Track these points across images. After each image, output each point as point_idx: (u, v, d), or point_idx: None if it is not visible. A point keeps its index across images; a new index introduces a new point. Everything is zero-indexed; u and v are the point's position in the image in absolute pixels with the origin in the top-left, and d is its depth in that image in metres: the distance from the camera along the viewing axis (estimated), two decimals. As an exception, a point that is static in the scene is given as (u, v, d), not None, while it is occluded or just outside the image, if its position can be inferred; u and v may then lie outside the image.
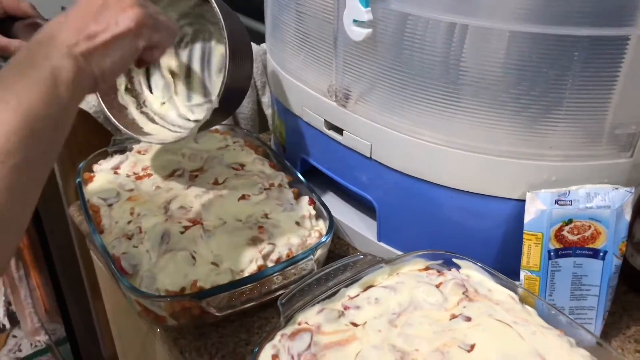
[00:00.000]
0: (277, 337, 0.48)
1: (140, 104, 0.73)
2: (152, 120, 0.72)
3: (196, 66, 0.72)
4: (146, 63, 0.53)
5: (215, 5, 0.60)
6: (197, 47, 0.72)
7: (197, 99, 0.73)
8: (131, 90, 0.73)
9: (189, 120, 0.72)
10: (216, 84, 0.72)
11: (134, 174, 0.72)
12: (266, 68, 0.86)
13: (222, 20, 0.59)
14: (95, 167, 0.74)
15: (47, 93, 0.40)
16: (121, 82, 0.72)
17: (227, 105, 0.65)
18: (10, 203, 0.38)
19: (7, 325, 1.68)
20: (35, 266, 1.43)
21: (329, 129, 0.66)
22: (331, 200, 0.75)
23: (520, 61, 0.49)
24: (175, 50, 0.72)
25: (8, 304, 1.63)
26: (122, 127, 0.68)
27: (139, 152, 0.76)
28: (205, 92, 0.73)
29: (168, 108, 0.73)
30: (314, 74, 0.65)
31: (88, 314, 1.33)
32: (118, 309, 0.88)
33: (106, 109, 0.69)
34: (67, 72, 0.42)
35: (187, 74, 0.73)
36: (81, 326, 1.38)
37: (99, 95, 0.69)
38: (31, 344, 1.68)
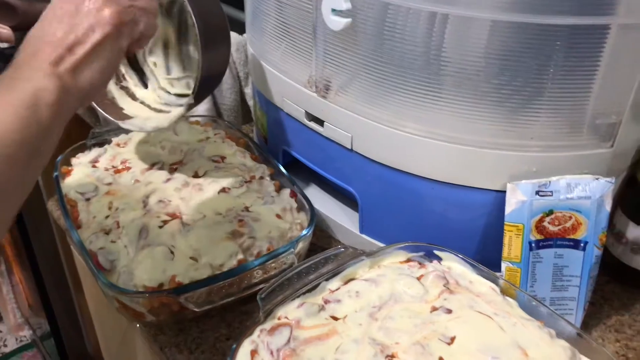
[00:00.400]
0: (256, 332, 0.48)
1: (120, 78, 0.71)
2: (132, 97, 0.70)
3: (173, 38, 0.70)
4: (133, 52, 0.51)
5: (189, 6, 0.57)
6: (174, 17, 0.70)
7: (176, 72, 0.71)
8: None
9: (169, 93, 0.70)
10: (193, 61, 0.69)
11: (113, 167, 0.71)
12: (248, 58, 0.85)
13: (193, 17, 0.57)
14: (74, 160, 0.73)
15: (25, 118, 0.38)
16: None
17: (203, 92, 0.64)
18: None
19: (-11, 321, 1.67)
20: (18, 261, 1.41)
21: (310, 121, 0.65)
22: (313, 192, 0.75)
23: (501, 51, 0.48)
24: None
25: (-10, 299, 1.61)
26: (101, 111, 0.66)
27: (118, 145, 0.75)
28: (185, 66, 0.71)
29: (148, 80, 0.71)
30: (294, 64, 0.64)
31: (72, 308, 1.32)
32: (99, 304, 0.87)
33: None
34: (50, 94, 0.40)
35: (165, 44, 0.71)
36: (65, 321, 1.37)
37: None
38: (16, 339, 1.67)
